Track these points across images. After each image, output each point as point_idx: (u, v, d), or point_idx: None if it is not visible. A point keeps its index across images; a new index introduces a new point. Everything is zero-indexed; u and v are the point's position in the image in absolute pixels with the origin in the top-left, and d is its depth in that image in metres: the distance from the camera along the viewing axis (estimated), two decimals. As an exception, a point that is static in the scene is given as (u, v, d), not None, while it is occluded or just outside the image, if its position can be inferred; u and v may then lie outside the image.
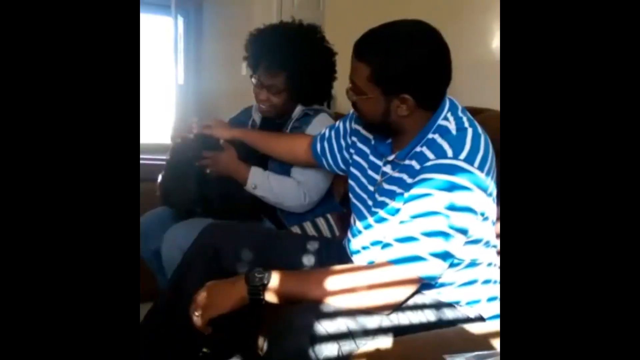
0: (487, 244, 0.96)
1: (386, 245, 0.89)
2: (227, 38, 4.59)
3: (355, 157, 1.12)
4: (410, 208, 0.88)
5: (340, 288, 0.87)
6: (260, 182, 1.35)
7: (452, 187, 0.85)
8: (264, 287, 0.88)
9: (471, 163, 0.86)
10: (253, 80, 1.42)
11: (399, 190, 0.95)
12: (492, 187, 0.90)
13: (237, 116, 1.63)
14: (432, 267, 0.86)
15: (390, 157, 0.99)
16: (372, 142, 1.07)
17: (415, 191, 0.88)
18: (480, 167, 0.87)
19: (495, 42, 1.65)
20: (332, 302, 0.85)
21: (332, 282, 0.87)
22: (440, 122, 0.93)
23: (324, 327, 0.80)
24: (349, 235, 1.13)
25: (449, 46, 0.92)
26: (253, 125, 1.55)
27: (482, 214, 0.89)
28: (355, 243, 1.08)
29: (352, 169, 1.12)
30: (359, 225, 1.07)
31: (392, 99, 0.91)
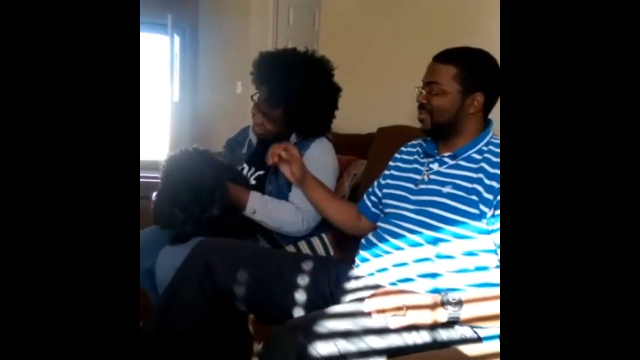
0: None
1: None
2: (222, 57, 4.63)
3: (394, 172, 1.23)
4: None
5: None
6: (260, 208, 1.35)
7: None
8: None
9: None
10: (253, 99, 1.42)
11: (447, 182, 1.05)
12: None
13: (235, 136, 1.64)
14: None
15: (447, 153, 1.10)
16: (420, 147, 1.20)
17: None
18: None
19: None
20: None
21: None
22: (492, 139, 1.08)
23: (314, 347, 0.79)
24: (366, 254, 1.12)
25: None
26: (250, 146, 1.55)
27: None
28: (377, 263, 1.08)
29: (387, 190, 1.20)
30: (384, 246, 1.09)
31: (468, 96, 1.07)
